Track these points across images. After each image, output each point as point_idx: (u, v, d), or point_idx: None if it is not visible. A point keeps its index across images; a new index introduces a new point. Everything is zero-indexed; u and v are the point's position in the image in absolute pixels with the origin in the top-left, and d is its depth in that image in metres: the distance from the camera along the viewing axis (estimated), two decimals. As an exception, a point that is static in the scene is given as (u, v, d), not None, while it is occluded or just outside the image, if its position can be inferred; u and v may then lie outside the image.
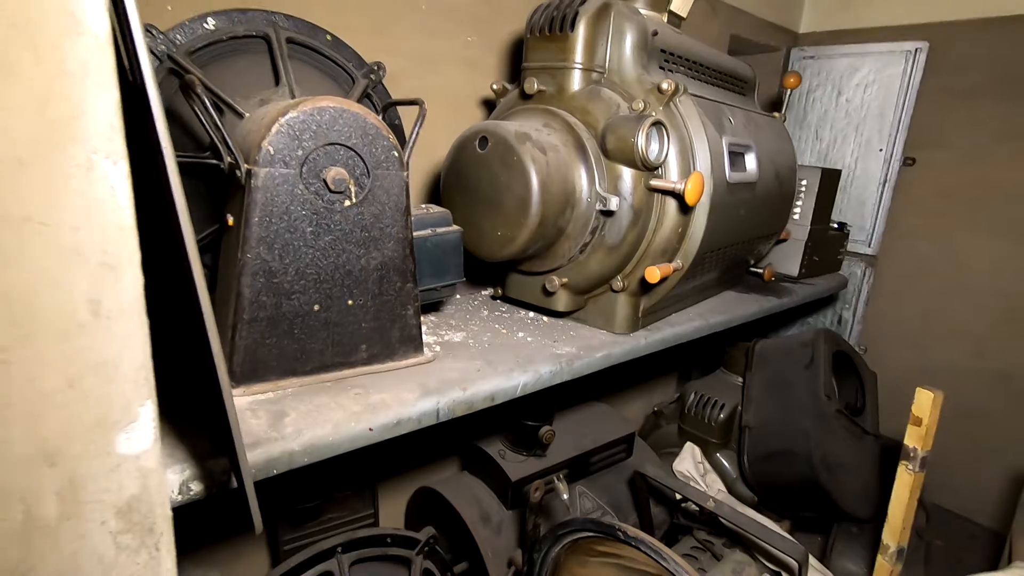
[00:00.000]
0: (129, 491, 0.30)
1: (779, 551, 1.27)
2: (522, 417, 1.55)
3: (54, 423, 0.29)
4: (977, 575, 1.30)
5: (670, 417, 2.12)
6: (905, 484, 1.24)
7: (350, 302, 0.97)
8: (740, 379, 1.98)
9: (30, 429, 0.28)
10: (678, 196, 1.10)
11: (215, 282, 1.01)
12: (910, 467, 1.23)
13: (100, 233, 0.32)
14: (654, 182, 1.11)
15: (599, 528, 1.10)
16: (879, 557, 1.31)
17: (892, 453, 1.48)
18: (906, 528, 1.26)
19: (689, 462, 1.83)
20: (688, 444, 1.89)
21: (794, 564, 1.24)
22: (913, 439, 1.22)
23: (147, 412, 0.30)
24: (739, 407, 1.89)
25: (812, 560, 1.51)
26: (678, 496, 1.59)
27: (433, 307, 1.30)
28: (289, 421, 0.83)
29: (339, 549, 1.21)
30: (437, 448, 1.76)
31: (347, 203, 0.92)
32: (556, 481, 1.29)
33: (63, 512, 0.28)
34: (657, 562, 1.01)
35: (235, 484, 0.74)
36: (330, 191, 0.90)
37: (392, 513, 1.71)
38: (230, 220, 0.93)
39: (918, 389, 1.22)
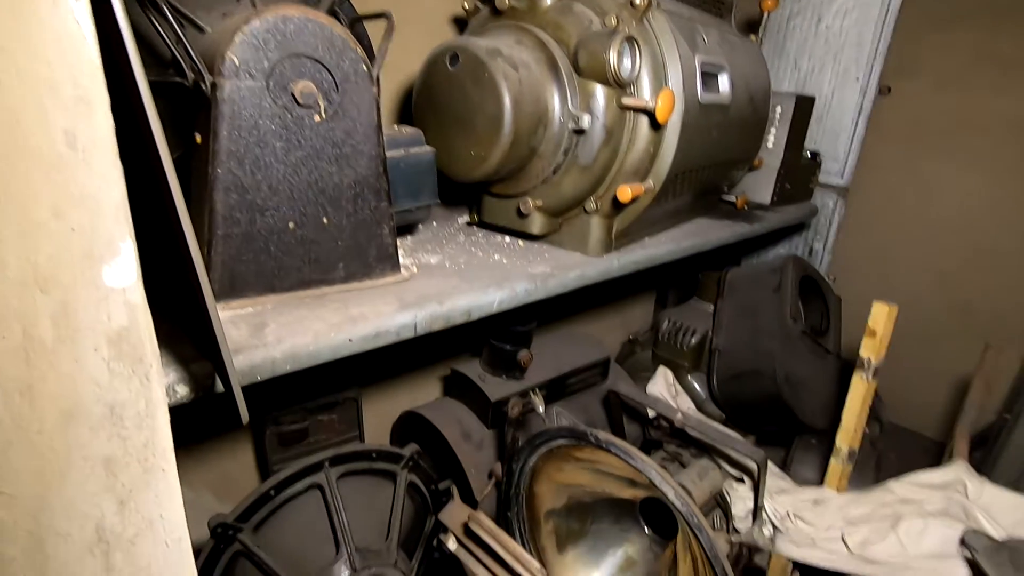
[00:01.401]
0: (118, 322, 0.32)
1: (741, 455, 1.36)
2: (501, 341, 1.60)
3: (44, 252, 0.31)
4: (920, 471, 1.42)
5: (645, 344, 2.20)
6: (858, 391, 1.32)
7: (325, 220, 0.98)
8: (712, 307, 2.05)
9: (23, 256, 0.30)
10: (649, 114, 1.11)
11: (188, 203, 1.01)
12: (864, 376, 1.31)
13: (71, 68, 0.33)
14: (626, 100, 1.11)
15: (573, 435, 1.16)
16: (832, 460, 1.42)
17: (850, 370, 1.57)
18: (857, 432, 1.36)
19: (661, 385, 1.91)
20: (661, 368, 1.97)
21: (754, 466, 1.34)
22: (868, 350, 1.30)
23: (128, 249, 0.31)
24: (710, 332, 1.96)
25: (771, 466, 1.62)
26: (650, 413, 1.67)
27: (408, 229, 1.32)
28: (270, 331, 0.86)
29: (327, 463, 1.26)
30: (420, 375, 1.81)
31: (317, 118, 0.92)
32: (533, 396, 1.36)
33: (58, 336, 0.31)
34: (628, 463, 1.08)
35: (220, 387, 0.78)
36: (298, 105, 0.89)
37: (377, 437, 1.78)
38: (198, 138, 0.92)
39: (875, 303, 1.28)
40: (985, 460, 1.55)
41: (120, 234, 0.31)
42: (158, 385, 0.34)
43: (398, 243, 1.09)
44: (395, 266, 1.09)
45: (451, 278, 1.12)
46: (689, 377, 2.00)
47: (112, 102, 0.39)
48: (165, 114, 1.13)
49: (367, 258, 1.05)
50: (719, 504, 1.52)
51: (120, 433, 0.33)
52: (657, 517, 1.32)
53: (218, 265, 0.90)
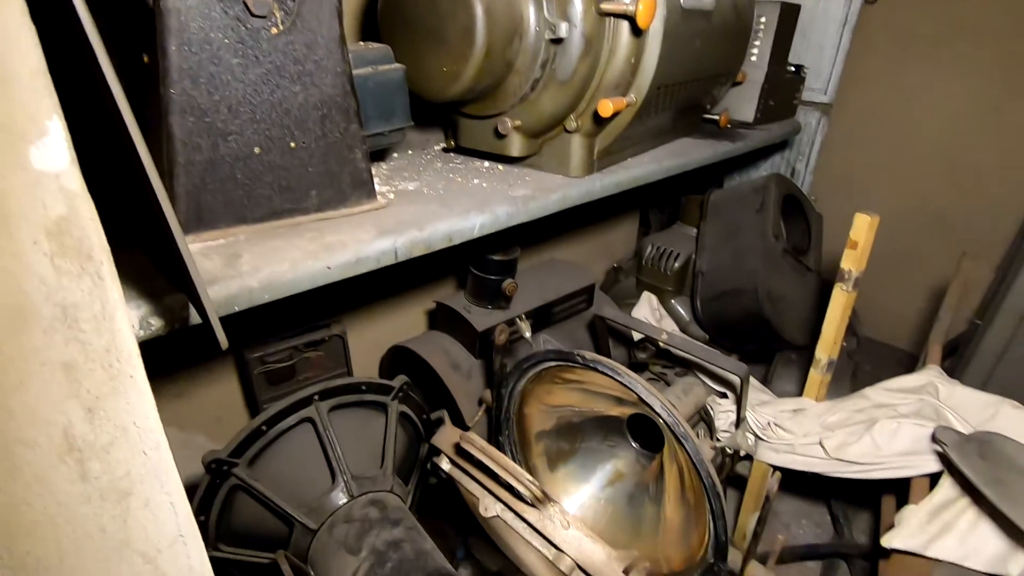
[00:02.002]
0: (56, 211, 0.30)
1: (724, 370, 1.39)
2: (485, 272, 1.58)
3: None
4: (894, 378, 1.47)
5: (628, 272, 2.20)
6: (839, 303, 1.34)
7: (292, 144, 0.93)
8: (695, 230, 2.04)
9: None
10: (630, 19, 1.05)
11: (145, 132, 0.95)
12: (844, 287, 1.33)
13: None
14: (605, 4, 1.05)
15: (560, 356, 1.17)
16: (812, 370, 1.46)
17: (830, 288, 1.59)
18: (836, 343, 1.39)
19: (646, 309, 1.93)
20: (645, 293, 1.99)
21: (737, 380, 1.37)
22: (849, 262, 1.31)
23: (56, 129, 0.29)
24: (693, 255, 1.97)
25: (753, 380, 1.67)
26: (635, 336, 1.70)
27: (382, 155, 1.27)
28: (244, 261, 0.83)
29: (316, 397, 1.26)
30: (405, 310, 1.80)
31: (274, 30, 0.85)
32: (519, 321, 1.36)
33: (-10, 226, 0.29)
34: (615, 380, 1.10)
35: (196, 319, 0.76)
36: (252, 15, 0.82)
37: (365, 374, 1.79)
38: (145, 58, 0.85)
39: (856, 214, 1.28)
40: (956, 365, 1.61)
41: (44, 111, 0.28)
42: (113, 285, 0.31)
43: (372, 170, 1.05)
44: (371, 193, 1.05)
45: (430, 204, 1.09)
46: (673, 301, 2.02)
47: (50, 26, 0.34)
48: (108, 35, 1.04)
49: (341, 185, 1.00)
50: (703, 419, 1.57)
51: (78, 337, 0.31)
52: (644, 432, 1.36)
53: (183, 195, 0.86)
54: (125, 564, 0.34)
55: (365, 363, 1.77)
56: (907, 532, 1.12)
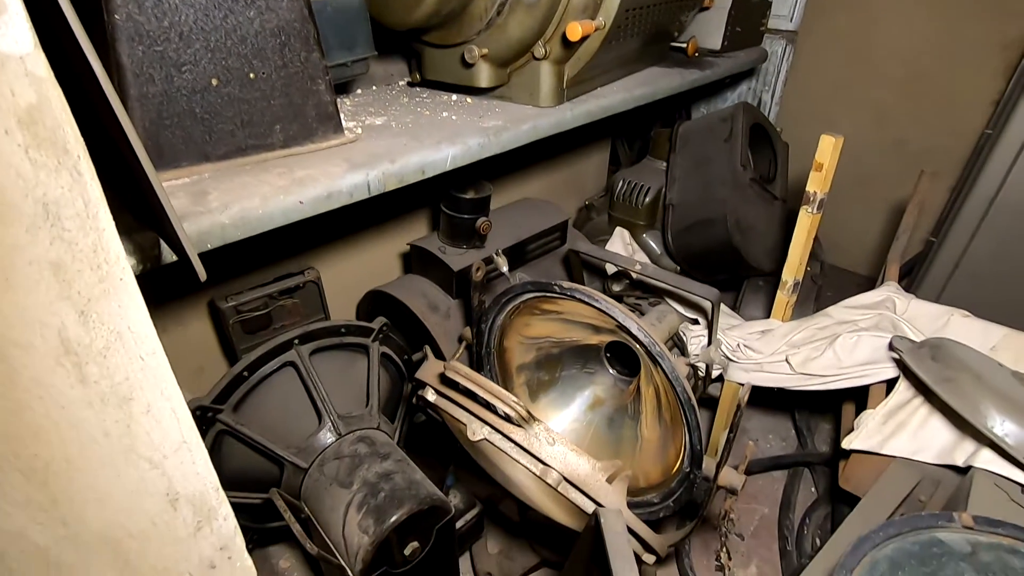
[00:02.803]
0: (25, 99, 0.28)
1: (695, 295, 1.43)
2: (458, 211, 1.57)
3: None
4: (855, 296, 1.54)
5: (600, 209, 2.21)
6: (804, 225, 1.38)
7: (251, 75, 0.89)
8: (665, 163, 2.05)
9: None
10: (597, -66, 1.01)
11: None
12: (809, 209, 1.37)
13: None
14: (571, -82, 1.01)
15: (538, 287, 1.19)
16: (779, 292, 1.52)
17: (796, 216, 1.63)
18: (802, 265, 1.45)
19: (619, 244, 1.96)
20: (618, 228, 2.01)
21: (708, 304, 1.42)
22: (814, 184, 1.34)
23: (15, 7, 0.27)
24: (664, 189, 1.98)
25: (723, 307, 1.73)
26: (609, 269, 1.72)
27: (346, 88, 1.22)
28: (213, 198, 0.81)
29: (296, 341, 1.26)
30: (379, 255, 1.78)
31: (221, -52, 0.79)
32: (496, 256, 1.36)
33: (-43, 114, 0.27)
34: (591, 306, 1.12)
35: (169, 258, 0.74)
36: (196, -70, 0.77)
37: (343, 319, 1.78)
38: (84, -19, 0.79)
39: (821, 136, 1.30)
40: (912, 281, 1.69)
41: (-1, -16, 0.26)
42: (92, 182, 0.30)
43: (339, 105, 1.02)
44: (338, 128, 1.02)
45: (400, 137, 1.07)
46: (645, 235, 2.04)
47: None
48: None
49: (306, 119, 0.97)
50: (676, 344, 1.63)
51: (63, 236, 0.30)
52: (621, 359, 1.40)
53: (139, 132, 0.82)
54: (132, 468, 0.35)
55: (342, 309, 1.76)
56: (865, 434, 1.21)
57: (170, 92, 0.82)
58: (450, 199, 1.58)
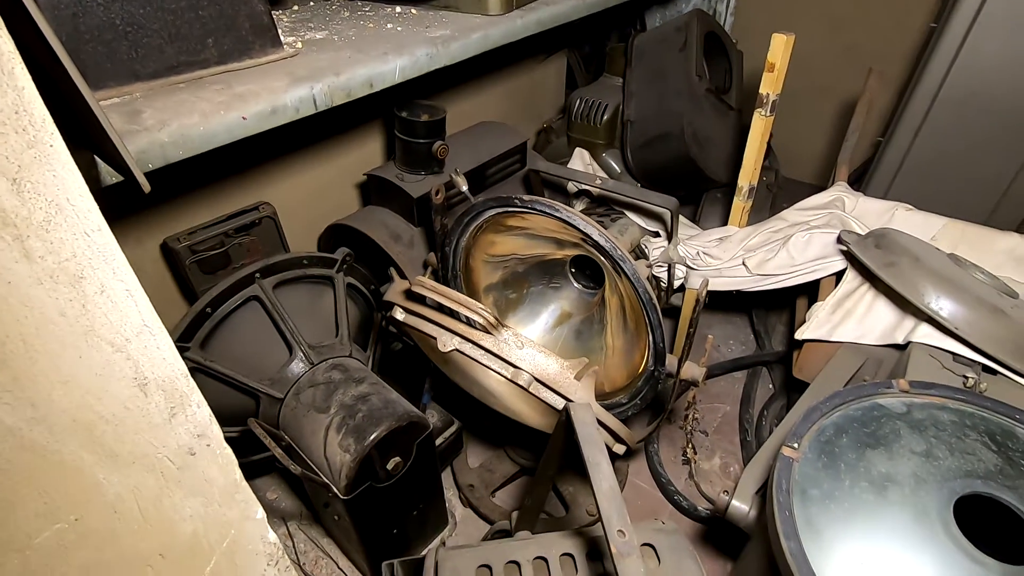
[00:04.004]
0: None
1: (655, 205, 1.46)
2: (413, 136, 1.53)
3: None
4: (807, 198, 1.59)
5: (559, 131, 2.18)
6: (758, 128, 1.40)
7: (174, -19, 0.82)
8: (621, 79, 2.02)
9: None
10: None
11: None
12: (763, 112, 1.38)
13: None
14: None
15: (499, 202, 1.19)
16: (735, 199, 1.55)
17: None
18: (756, 169, 1.47)
19: (579, 165, 1.95)
20: (577, 149, 1.99)
21: (667, 213, 1.44)
22: (767, 85, 1.35)
23: None
24: (621, 105, 1.96)
25: (682, 218, 1.77)
26: (571, 188, 1.72)
27: (281, 1, 1.15)
28: (148, 116, 0.77)
29: (257, 275, 1.24)
30: (335, 187, 1.73)
31: None
32: (454, 176, 1.34)
33: None
34: (552, 216, 1.13)
35: (109, 179, 0.71)
36: None
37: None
38: None
39: (773, 35, 1.30)
40: (861, 181, 1.75)
41: None
42: (2, 32, 0.28)
43: (274, 18, 0.96)
44: (275, 41, 0.97)
45: (343, 51, 1.02)
46: (605, 155, 2.04)
47: None
48: None
49: (240, 31, 0.91)
50: (639, 256, 1.67)
51: (-23, 96, 0.29)
52: (585, 271, 1.43)
53: (56, 47, 0.76)
54: (95, 351, 0.35)
55: (304, 246, 1.73)
56: (815, 324, 1.28)
57: (84, 1, 0.76)
58: (404, 123, 1.53)
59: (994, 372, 1.02)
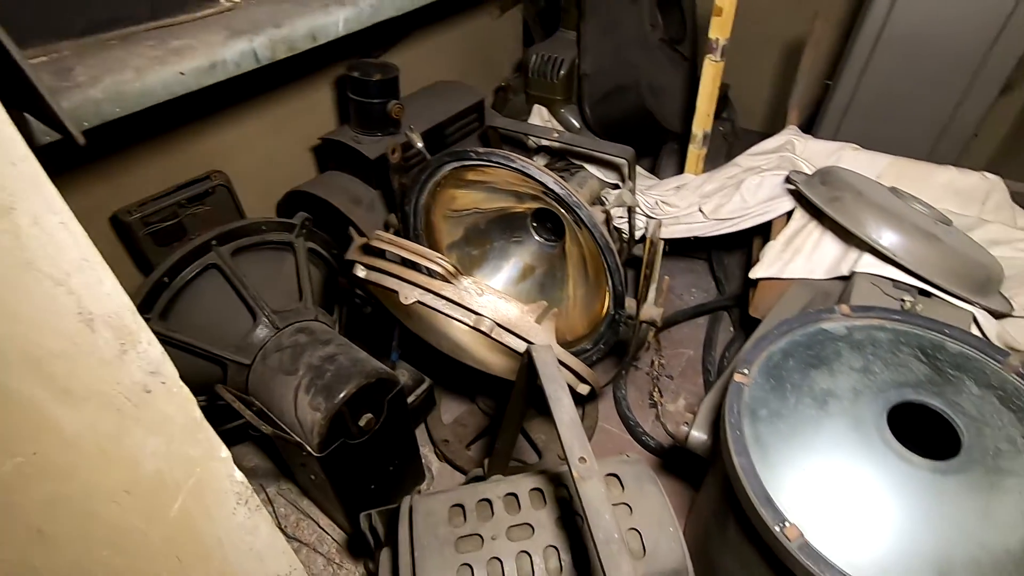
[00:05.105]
0: None
1: (612, 156, 1.47)
2: (366, 96, 1.50)
3: None
4: (759, 144, 1.62)
5: (517, 88, 2.17)
6: (709, 74, 1.42)
7: (94, -71, 0.79)
8: (576, 33, 2.00)
9: None
10: None
11: None
12: (713, 57, 1.40)
13: None
14: None
15: (455, 156, 1.19)
16: (690, 147, 1.58)
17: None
18: (709, 116, 1.50)
19: (537, 121, 1.95)
20: (536, 106, 1.99)
21: (624, 163, 1.46)
22: (716, 30, 1.36)
23: None
24: (577, 60, 1.95)
25: (641, 169, 1.79)
26: (531, 144, 1.73)
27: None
28: (79, 72, 0.74)
29: (214, 242, 1.23)
30: (289, 154, 1.70)
31: None
32: (409, 132, 1.33)
33: None
34: (507, 167, 1.14)
35: (43, 139, 0.69)
36: None
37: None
38: None
39: (721, -22, 1.30)
40: (811, 125, 1.79)
41: None
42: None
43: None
44: (211, -6, 0.94)
45: (284, 3, 0.99)
46: (563, 111, 2.03)
47: None
48: None
49: (171, -16, 0.88)
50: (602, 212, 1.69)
51: None
52: (546, 226, 1.45)
53: (-28, 2, 0.72)
54: (36, 285, 0.35)
55: (263, 216, 1.70)
56: (767, 262, 1.33)
57: (0, -47, 0.72)
58: (357, 84, 1.50)
59: (929, 294, 1.09)
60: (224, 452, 0.54)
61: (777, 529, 0.74)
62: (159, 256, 1.43)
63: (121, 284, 0.42)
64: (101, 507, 0.46)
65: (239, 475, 0.56)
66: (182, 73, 0.80)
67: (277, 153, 1.64)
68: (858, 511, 0.76)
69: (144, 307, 1.17)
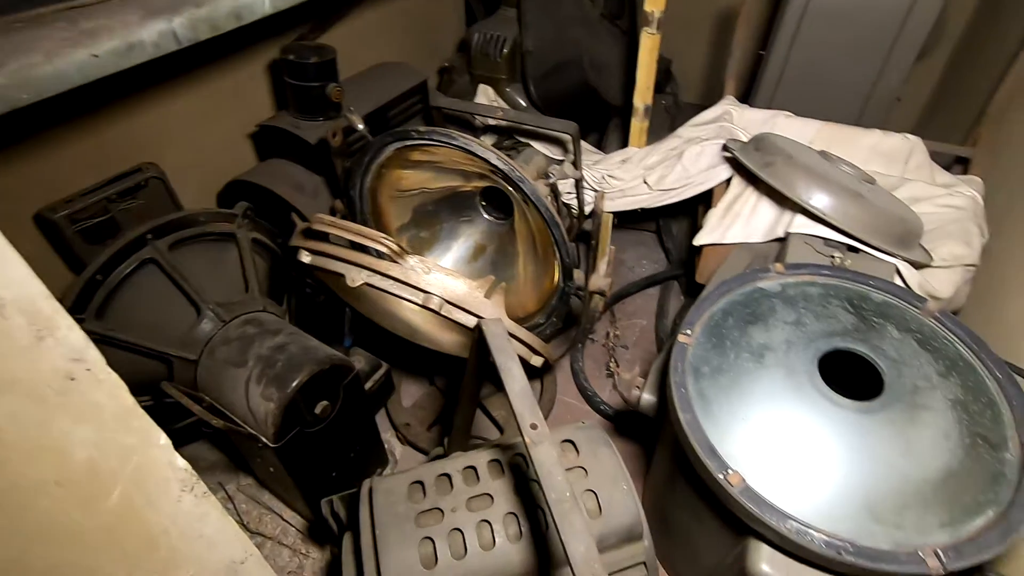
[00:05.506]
0: None
1: (556, 131, 1.48)
2: (304, 80, 1.46)
3: None
4: (698, 115, 1.66)
5: (460, 69, 2.14)
6: (647, 47, 1.44)
7: (-14, -97, 0.74)
8: (517, 10, 1.99)
9: None
10: None
11: None
12: (650, 30, 1.42)
13: None
14: None
15: (397, 136, 1.17)
16: (632, 121, 1.60)
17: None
18: (649, 89, 1.52)
19: (483, 100, 1.93)
20: (480, 85, 1.97)
21: (568, 138, 1.48)
22: (651, 3, 1.38)
23: None
24: (519, 37, 1.94)
25: (587, 145, 1.81)
26: (478, 123, 1.72)
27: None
28: (-21, 57, 0.70)
29: (149, 236, 1.18)
30: (226, 143, 1.64)
31: None
32: (348, 115, 1.31)
33: None
34: (452, 146, 1.13)
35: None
36: None
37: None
38: None
39: (652, -50, 1.32)
40: (748, 95, 1.85)
41: None
42: None
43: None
44: (123, -28, 0.89)
45: (205, -19, 0.95)
46: (508, 89, 2.02)
47: None
48: None
49: (78, -38, 0.83)
50: (550, 188, 1.70)
51: None
52: (495, 204, 1.45)
53: None
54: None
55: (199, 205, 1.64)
56: (709, 229, 1.38)
57: None
58: (294, 67, 1.46)
59: (856, 250, 1.15)
60: (163, 439, 0.53)
61: (721, 477, 0.78)
62: (92, 255, 1.36)
63: (52, 286, 0.40)
64: (32, 500, 0.44)
65: (181, 462, 0.55)
66: (96, 56, 0.76)
67: (213, 142, 1.58)
68: (795, 455, 0.80)
69: (77, 307, 1.13)
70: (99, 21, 0.80)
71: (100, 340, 1.17)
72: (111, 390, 0.47)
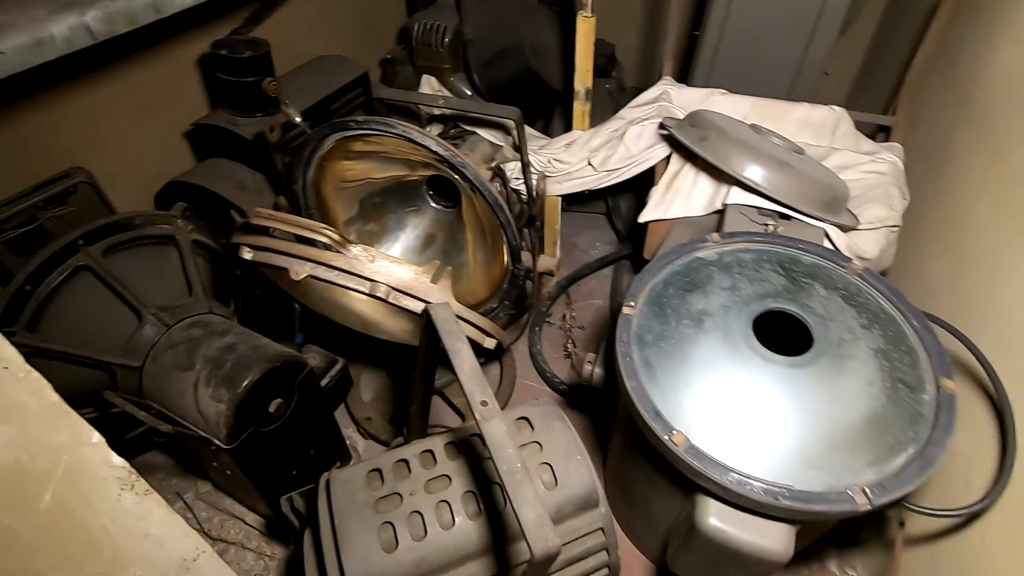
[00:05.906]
0: None
1: (500, 118, 1.49)
2: (239, 75, 1.43)
3: None
4: (638, 96, 1.70)
5: (403, 60, 2.12)
6: (583, 31, 1.46)
7: None
8: (456, -1, 1.98)
9: None
10: None
11: None
12: (585, 13, 1.44)
13: None
14: None
15: (336, 127, 1.16)
16: (575, 104, 1.63)
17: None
18: (588, 71, 1.55)
19: (427, 91, 1.93)
20: (424, 76, 1.96)
21: (512, 123, 1.49)
22: (583, -14, 1.40)
23: None
24: (459, 25, 1.94)
25: (532, 130, 1.83)
26: (423, 113, 1.71)
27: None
28: None
29: (81, 242, 1.14)
30: (165, 140, 1.59)
31: None
32: (284, 108, 1.29)
33: None
34: (391, 134, 1.13)
35: None
36: None
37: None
38: None
39: (579, -67, 1.34)
40: (686, 74, 1.90)
41: None
42: None
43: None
44: (29, -34, 0.85)
45: (118, -27, 0.92)
46: (452, 79, 2.02)
47: None
48: None
49: (-24, -46, 0.79)
50: (496, 174, 1.71)
51: None
52: (442, 193, 1.46)
53: None
54: None
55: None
56: (652, 206, 1.42)
57: None
58: (226, 62, 1.42)
59: (788, 217, 1.20)
60: (95, 437, 0.52)
61: (666, 438, 0.81)
62: (18, 268, 1.30)
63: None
64: (-46, 507, 0.43)
65: (118, 460, 0.54)
66: (1, 52, 0.73)
67: (146, 144, 1.53)
68: (735, 412, 0.84)
69: (7, 320, 1.08)
70: (3, 16, 0.77)
71: (34, 353, 1.13)
72: (34, 388, 0.46)
